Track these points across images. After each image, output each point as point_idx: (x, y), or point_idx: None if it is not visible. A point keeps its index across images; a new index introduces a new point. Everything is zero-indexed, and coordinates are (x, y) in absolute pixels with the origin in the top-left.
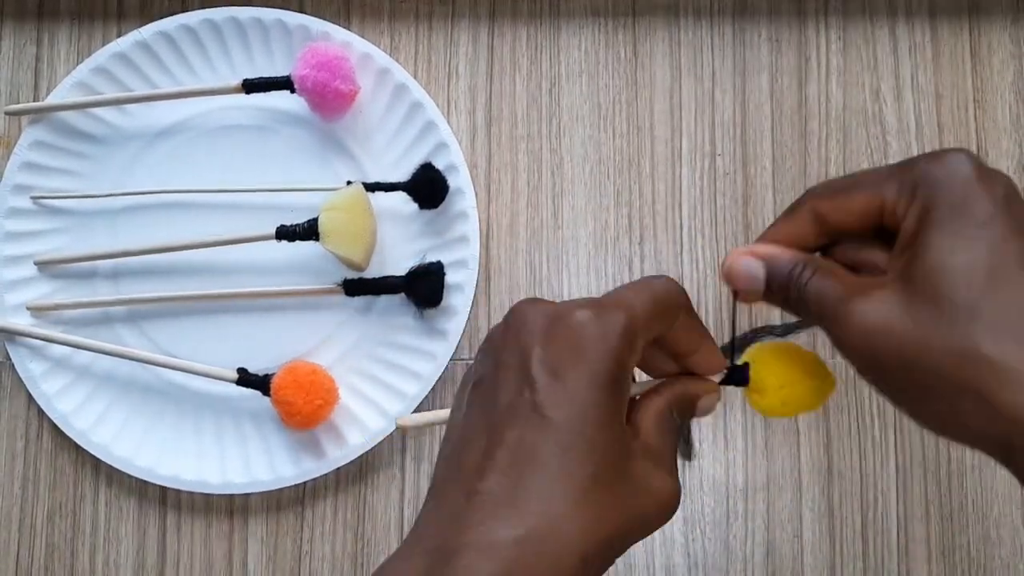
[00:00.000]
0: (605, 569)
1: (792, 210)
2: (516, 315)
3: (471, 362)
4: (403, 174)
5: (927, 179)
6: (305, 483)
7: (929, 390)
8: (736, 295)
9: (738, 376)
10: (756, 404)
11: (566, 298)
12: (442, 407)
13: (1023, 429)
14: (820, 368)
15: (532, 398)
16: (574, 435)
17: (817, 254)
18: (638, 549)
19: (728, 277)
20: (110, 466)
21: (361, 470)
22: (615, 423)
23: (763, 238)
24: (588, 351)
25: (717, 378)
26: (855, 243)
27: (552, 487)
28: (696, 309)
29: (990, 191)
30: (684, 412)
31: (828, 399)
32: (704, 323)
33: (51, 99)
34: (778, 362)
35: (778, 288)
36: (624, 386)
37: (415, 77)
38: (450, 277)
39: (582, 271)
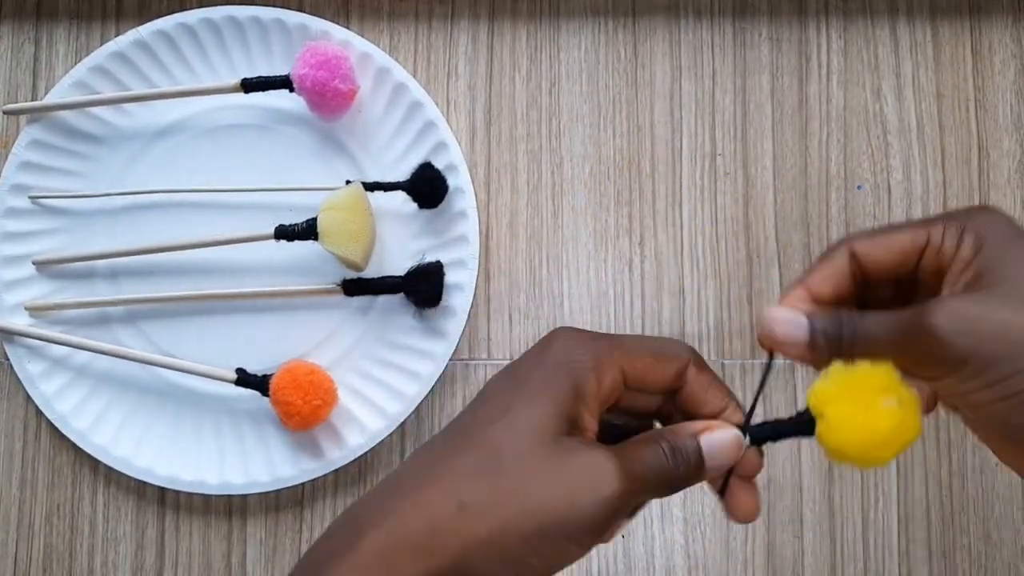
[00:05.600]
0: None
1: (829, 252)
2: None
3: (471, 362)
4: (402, 174)
5: (977, 218)
6: (304, 484)
7: None
8: (771, 355)
9: (803, 422)
10: (836, 450)
11: (565, 298)
12: (442, 408)
13: None
14: (895, 385)
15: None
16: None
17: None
18: (638, 549)
19: (768, 331)
20: (108, 466)
21: (360, 471)
22: (546, 423)
23: (800, 281)
24: (546, 366)
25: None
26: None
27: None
28: (695, 309)
29: None
30: (679, 455)
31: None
32: (704, 320)
33: (49, 98)
34: (847, 391)
35: (826, 334)
36: (580, 407)
37: (414, 76)
38: (450, 277)
39: (582, 271)
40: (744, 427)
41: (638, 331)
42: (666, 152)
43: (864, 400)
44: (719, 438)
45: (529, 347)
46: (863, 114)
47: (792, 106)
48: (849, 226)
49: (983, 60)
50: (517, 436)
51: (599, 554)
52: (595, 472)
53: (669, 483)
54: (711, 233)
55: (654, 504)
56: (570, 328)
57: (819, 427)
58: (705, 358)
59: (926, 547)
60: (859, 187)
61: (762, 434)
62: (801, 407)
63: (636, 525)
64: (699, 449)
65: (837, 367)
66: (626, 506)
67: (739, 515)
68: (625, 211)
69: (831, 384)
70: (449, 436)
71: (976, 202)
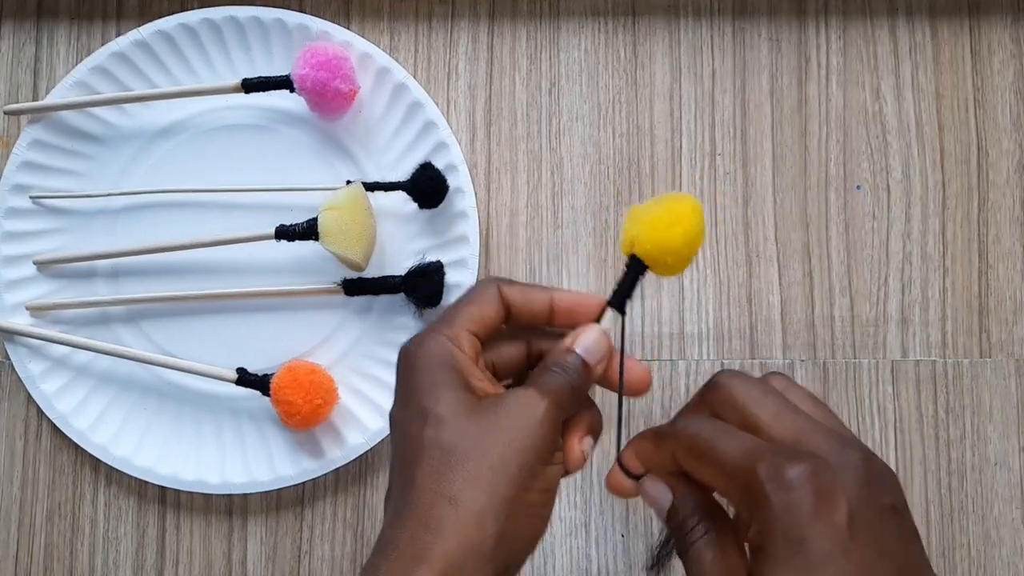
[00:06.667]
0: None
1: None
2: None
3: None
4: (403, 174)
5: (765, 506)
6: (304, 483)
7: None
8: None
9: (635, 266)
10: (664, 270)
11: None
12: None
13: None
14: (680, 205)
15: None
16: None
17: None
18: (638, 547)
19: (643, 494)
20: (109, 466)
21: (360, 470)
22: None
23: (628, 450)
24: (435, 369)
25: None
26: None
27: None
28: (694, 309)
29: (829, 524)
30: (568, 370)
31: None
32: (704, 320)
33: (50, 99)
34: (653, 230)
35: (670, 523)
36: (466, 375)
37: (415, 77)
38: (450, 277)
39: (582, 271)
40: (608, 304)
41: (638, 330)
42: (666, 152)
43: (652, 215)
44: (587, 338)
45: None
46: (862, 114)
47: (791, 106)
48: (848, 226)
49: (982, 60)
50: (449, 426)
51: (599, 553)
52: (522, 400)
53: (575, 393)
54: (710, 233)
55: None
56: (408, 341)
57: (639, 255)
58: (704, 357)
59: (925, 545)
60: (858, 187)
61: (618, 299)
62: None
63: (636, 524)
64: (579, 357)
65: (630, 215)
66: (558, 419)
67: (638, 386)
68: (625, 211)
69: (630, 226)
70: (405, 457)
71: (975, 201)
